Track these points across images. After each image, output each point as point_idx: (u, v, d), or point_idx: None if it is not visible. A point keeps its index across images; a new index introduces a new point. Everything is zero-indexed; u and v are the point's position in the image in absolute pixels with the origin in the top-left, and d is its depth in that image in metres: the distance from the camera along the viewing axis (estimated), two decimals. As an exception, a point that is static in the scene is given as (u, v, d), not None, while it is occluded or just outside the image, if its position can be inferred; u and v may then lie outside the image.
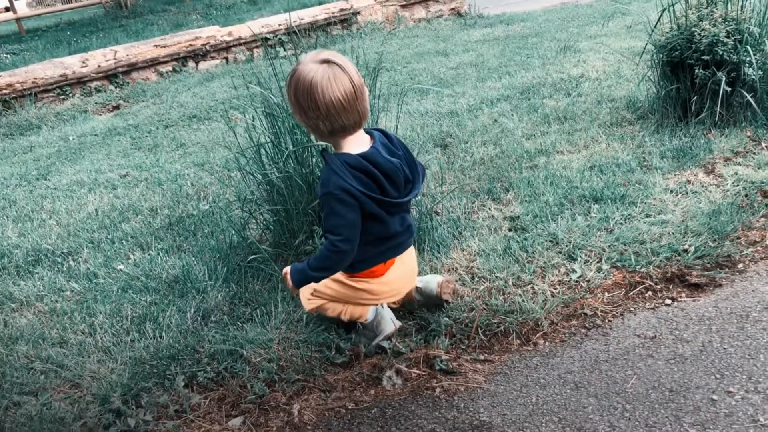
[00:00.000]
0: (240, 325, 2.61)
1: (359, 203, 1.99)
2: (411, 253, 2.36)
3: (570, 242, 2.85)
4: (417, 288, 2.43)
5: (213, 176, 4.43)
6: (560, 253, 2.80)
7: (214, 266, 3.06)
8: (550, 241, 2.90)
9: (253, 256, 2.90)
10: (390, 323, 2.34)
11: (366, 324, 2.34)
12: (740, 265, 2.62)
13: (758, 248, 2.69)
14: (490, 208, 3.34)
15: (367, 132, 2.10)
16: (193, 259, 3.18)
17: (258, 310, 2.65)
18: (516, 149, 4.02)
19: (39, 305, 3.03)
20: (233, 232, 3.28)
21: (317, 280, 2.20)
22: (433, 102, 5.56)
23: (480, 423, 1.97)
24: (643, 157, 3.64)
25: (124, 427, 2.10)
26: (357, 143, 2.03)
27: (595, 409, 1.94)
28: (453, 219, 3.16)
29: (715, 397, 1.90)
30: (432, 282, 2.42)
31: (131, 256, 3.41)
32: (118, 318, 2.79)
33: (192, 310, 2.73)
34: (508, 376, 2.19)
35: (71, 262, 3.45)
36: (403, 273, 2.28)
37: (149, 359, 2.45)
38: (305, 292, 2.32)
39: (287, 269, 2.19)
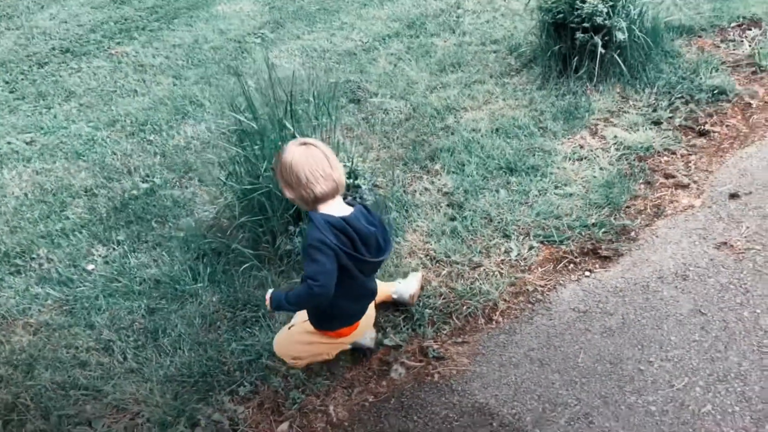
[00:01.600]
0: (250, 330, 2.98)
1: (335, 254, 2.31)
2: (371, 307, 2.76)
3: (501, 219, 3.47)
4: (392, 298, 2.97)
5: (133, 142, 4.48)
6: (496, 230, 3.43)
7: (196, 266, 3.33)
8: (485, 218, 3.51)
9: (259, 268, 3.21)
10: (367, 340, 2.87)
11: None
12: (632, 234, 3.39)
13: (644, 216, 3.47)
14: (423, 180, 3.86)
15: (348, 203, 2.45)
16: (166, 256, 3.43)
17: (261, 313, 3.02)
18: (426, 107, 4.48)
19: (26, 319, 3.18)
20: (191, 222, 3.56)
21: (290, 310, 2.70)
22: (325, 37, 5.76)
23: (480, 405, 2.62)
24: (539, 119, 4.27)
25: None
26: (337, 208, 2.37)
27: (561, 385, 2.66)
28: (397, 196, 3.62)
29: (641, 367, 2.68)
30: (405, 294, 2.96)
31: (94, 253, 3.59)
32: (125, 331, 3.03)
33: (198, 319, 3.04)
34: (485, 357, 2.84)
35: (32, 264, 3.55)
36: (365, 323, 2.72)
37: (181, 377, 2.78)
38: (288, 352, 2.78)
39: (269, 293, 2.61)
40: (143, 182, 4.06)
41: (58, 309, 3.20)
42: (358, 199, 2.63)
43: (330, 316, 2.58)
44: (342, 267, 2.39)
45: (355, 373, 2.78)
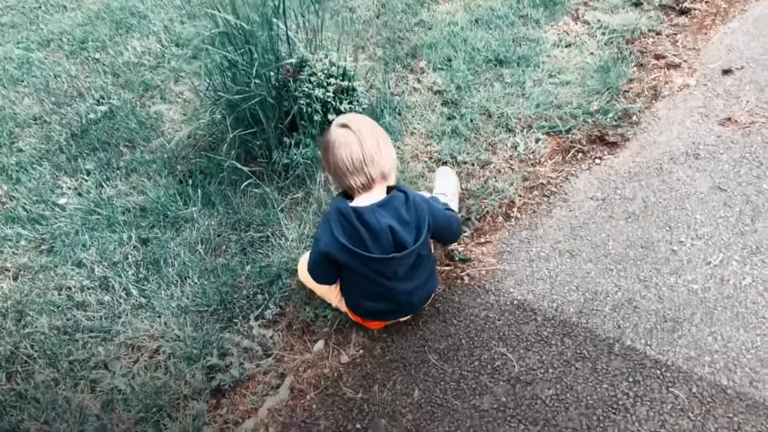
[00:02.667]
0: (261, 251, 2.77)
1: (327, 254, 2.13)
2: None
3: (501, 113, 3.32)
4: None
5: (76, 62, 4.04)
6: (498, 125, 3.28)
7: (184, 190, 3.04)
8: (484, 114, 3.35)
9: (257, 185, 2.95)
10: None
11: None
12: (634, 118, 3.31)
13: (643, 99, 3.39)
14: (408, 79, 3.64)
15: (391, 189, 2.16)
16: (146, 182, 3.13)
17: (269, 232, 2.81)
18: (395, 2, 4.20)
19: (3, 263, 2.87)
20: (165, 143, 3.22)
21: None
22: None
23: (518, 302, 2.55)
24: (517, 7, 4.07)
25: (230, 379, 2.35)
26: (369, 199, 2.11)
27: (597, 274, 2.60)
28: (386, 99, 3.39)
29: (674, 247, 2.65)
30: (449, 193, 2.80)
31: (62, 185, 3.25)
32: (119, 266, 2.78)
33: (200, 245, 2.81)
34: (512, 254, 2.75)
35: (-6, 202, 3.19)
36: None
37: (197, 306, 2.58)
38: (307, 282, 2.51)
39: None
40: (99, 105, 3.65)
41: (34, 249, 2.88)
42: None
43: (347, 302, 2.38)
44: (343, 264, 2.16)
45: (382, 284, 2.60)
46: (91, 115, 3.56)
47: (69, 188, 3.16)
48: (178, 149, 3.22)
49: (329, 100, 2.85)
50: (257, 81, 2.72)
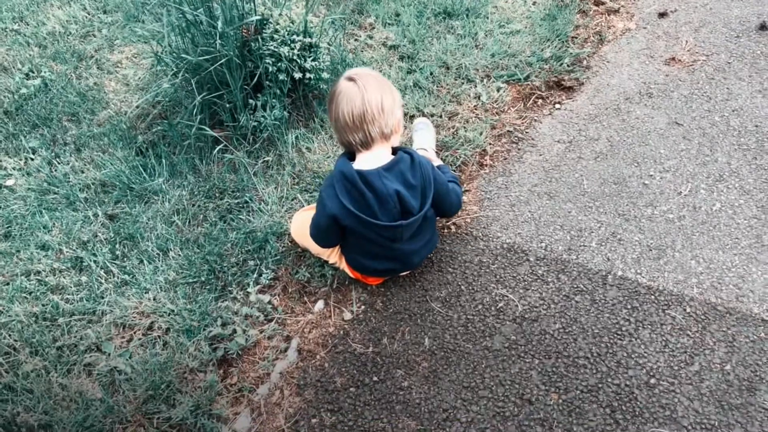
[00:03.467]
0: (241, 217, 2.68)
1: (334, 218, 2.10)
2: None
3: (459, 65, 3.35)
4: None
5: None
6: (458, 77, 3.31)
7: (145, 161, 2.89)
8: (443, 66, 3.36)
9: (224, 150, 2.83)
10: None
11: None
12: (585, 62, 3.43)
13: (590, 44, 3.51)
14: (360, 36, 3.60)
15: (396, 150, 2.11)
16: (102, 156, 2.96)
17: (246, 197, 2.72)
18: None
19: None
20: (115, 115, 3.08)
21: None
22: None
23: (509, 245, 2.61)
24: (456, -40, 4.08)
25: (236, 347, 2.29)
26: (372, 160, 2.06)
27: (578, 212, 2.70)
28: (341, 56, 3.32)
29: (645, 181, 2.78)
30: (429, 151, 2.80)
31: (6, 166, 3.03)
32: (90, 245, 2.63)
33: (176, 216, 2.68)
34: (493, 201, 2.81)
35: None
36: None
37: (185, 278, 2.47)
38: (299, 238, 2.47)
39: None
40: (29, 79, 3.37)
41: (-12, 235, 2.65)
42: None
43: (347, 259, 2.35)
44: (348, 228, 2.13)
45: (371, 240, 2.59)
46: (23, 90, 3.29)
47: (14, 169, 2.93)
48: (132, 119, 3.03)
49: (295, 58, 2.75)
50: (221, 42, 2.58)
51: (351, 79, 1.99)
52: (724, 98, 2.97)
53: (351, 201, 2.05)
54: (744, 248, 2.35)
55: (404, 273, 2.38)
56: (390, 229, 2.09)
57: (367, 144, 2.06)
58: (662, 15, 3.54)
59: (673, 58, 3.24)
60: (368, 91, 1.98)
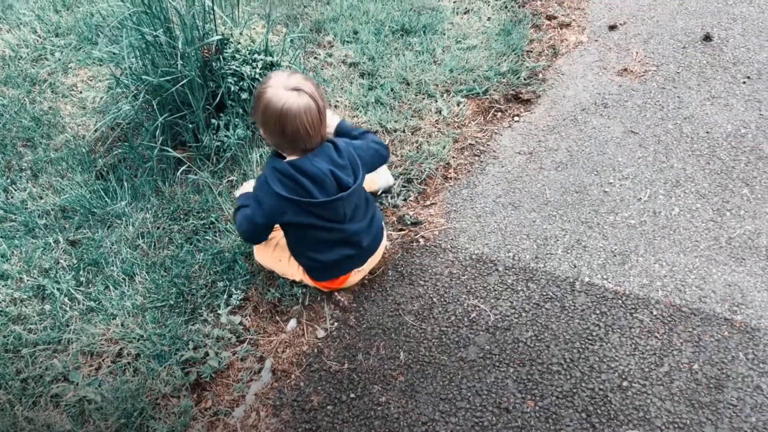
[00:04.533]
0: (208, 238, 2.64)
1: (271, 214, 2.12)
2: (373, 259, 2.46)
3: (419, 80, 3.39)
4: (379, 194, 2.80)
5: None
6: (419, 92, 3.34)
7: (106, 185, 2.83)
8: (403, 82, 3.39)
9: (188, 171, 2.77)
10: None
11: None
12: (541, 75, 3.50)
13: (544, 57, 3.59)
14: (319, 54, 3.61)
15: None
16: (60, 181, 2.89)
17: (212, 218, 2.68)
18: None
19: None
20: (73, 139, 3.02)
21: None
22: None
23: (477, 256, 2.64)
24: (410, -22, 4.13)
25: (209, 370, 2.25)
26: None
27: (543, 221, 2.75)
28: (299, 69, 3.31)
29: (605, 189, 2.85)
30: (388, 183, 2.83)
31: (-41, 193, 2.93)
32: (52, 272, 2.55)
33: (140, 239, 2.63)
34: (459, 212, 2.83)
35: None
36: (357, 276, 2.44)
37: (153, 303, 2.43)
38: (260, 259, 2.48)
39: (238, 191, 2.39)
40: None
41: (-57, 267, 2.55)
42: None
43: (305, 267, 2.34)
44: (292, 223, 2.15)
45: (341, 256, 2.58)
46: (-25, 115, 3.19)
47: (-33, 196, 2.82)
48: (91, 143, 2.97)
49: (257, 77, 2.74)
50: (182, 62, 2.56)
51: (296, 89, 1.97)
52: (676, 107, 3.06)
53: (287, 190, 2.07)
54: (703, 250, 2.42)
55: (366, 268, 2.40)
56: (330, 205, 2.12)
57: (318, 144, 2.11)
58: (612, 28, 3.64)
59: (625, 69, 3.34)
60: (317, 97, 2.01)
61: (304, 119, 1.99)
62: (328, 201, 2.10)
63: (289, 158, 2.09)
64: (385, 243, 2.45)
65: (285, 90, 1.96)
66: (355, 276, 2.36)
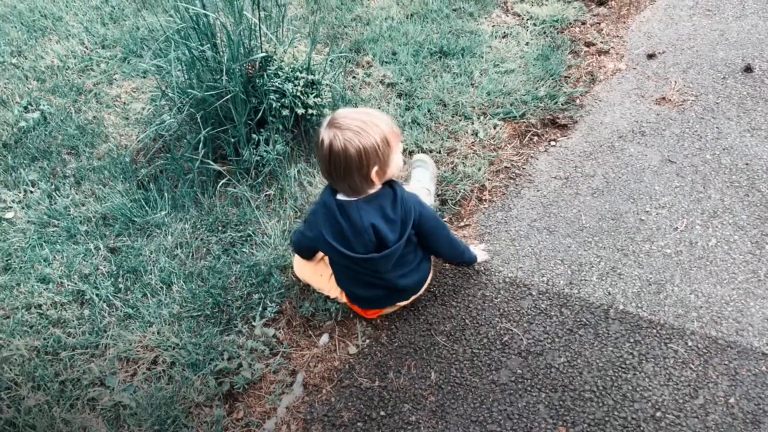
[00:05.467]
0: (244, 251, 2.67)
1: (312, 239, 2.16)
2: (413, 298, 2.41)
3: (456, 102, 3.41)
4: None
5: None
6: (456, 114, 3.37)
7: (147, 195, 2.88)
8: (440, 104, 3.42)
9: (227, 184, 2.84)
10: None
11: None
12: (578, 101, 3.51)
13: (582, 83, 3.60)
14: (358, 74, 3.66)
15: (386, 183, 2.06)
16: (103, 189, 2.95)
17: (249, 231, 2.72)
18: (329, 0, 4.19)
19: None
20: (116, 148, 3.10)
21: None
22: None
23: (511, 279, 2.64)
24: (450, 1, 4.19)
25: (243, 381, 2.27)
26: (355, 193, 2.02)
27: (578, 247, 2.74)
28: (340, 93, 3.35)
29: (642, 217, 2.84)
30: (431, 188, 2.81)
31: (5, 199, 3.01)
32: (92, 278, 2.59)
33: (179, 249, 2.67)
34: (493, 235, 2.84)
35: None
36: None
37: (190, 312, 2.46)
38: (298, 271, 2.51)
39: None
40: (28, 112, 3.37)
41: (-8, 269, 2.62)
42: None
43: (342, 287, 2.35)
44: (331, 258, 2.22)
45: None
46: (22, 124, 3.29)
47: (14, 201, 2.91)
48: (133, 153, 3.04)
49: (298, 94, 2.79)
50: (226, 77, 2.62)
51: (332, 125, 1.88)
52: (715, 137, 3.05)
53: (329, 230, 2.05)
54: (741, 283, 2.40)
55: (403, 304, 2.37)
56: (364, 261, 2.09)
57: (356, 191, 2.01)
58: (651, 56, 3.64)
59: (664, 98, 3.33)
60: (346, 145, 1.88)
61: (326, 158, 1.91)
62: (361, 258, 2.05)
63: (339, 196, 2.02)
64: (428, 282, 2.45)
65: (325, 128, 1.89)
66: (392, 308, 2.37)
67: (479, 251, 2.57)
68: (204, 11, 2.52)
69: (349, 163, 1.88)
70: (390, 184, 2.08)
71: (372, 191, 2.05)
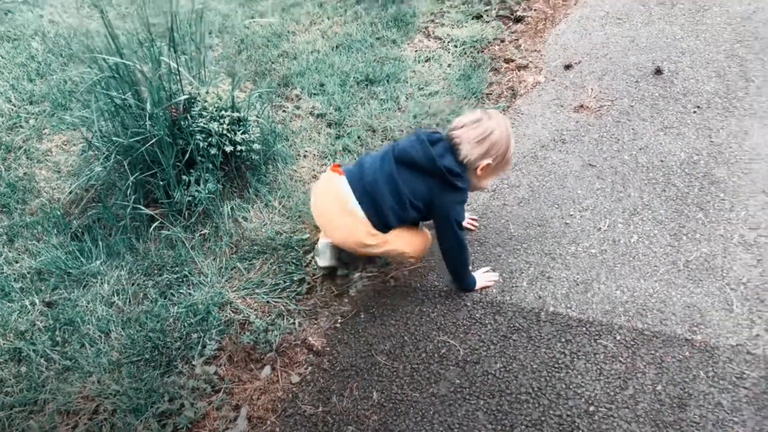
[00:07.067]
0: (182, 291, 2.71)
1: None
2: (341, 198, 2.40)
3: (384, 127, 3.51)
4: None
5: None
6: (385, 139, 3.45)
7: (81, 246, 2.90)
8: (369, 130, 3.51)
9: (161, 227, 2.86)
10: (323, 259, 2.74)
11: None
12: (501, 115, 3.63)
13: (504, 99, 3.73)
14: (287, 107, 3.73)
15: None
16: (36, 244, 2.95)
17: (185, 271, 2.75)
18: (253, 37, 4.28)
19: None
20: (48, 203, 3.11)
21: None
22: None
23: (445, 292, 2.68)
24: (372, 30, 4.31)
25: (185, 421, 2.29)
26: None
27: (508, 255, 2.83)
28: (271, 127, 3.42)
29: (566, 221, 2.95)
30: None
31: (-64, 262, 2.98)
32: (28, 334, 2.59)
33: (116, 297, 2.69)
34: (429, 250, 2.92)
35: None
36: (324, 197, 2.45)
37: (129, 357, 2.47)
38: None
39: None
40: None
41: None
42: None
43: None
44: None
45: (314, 303, 2.67)
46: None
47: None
48: (65, 205, 3.04)
49: (225, 132, 2.84)
50: (150, 123, 2.66)
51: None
52: (631, 138, 3.19)
53: None
54: (663, 274, 2.51)
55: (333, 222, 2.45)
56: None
57: None
58: (568, 67, 3.80)
59: (582, 106, 3.47)
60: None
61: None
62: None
63: None
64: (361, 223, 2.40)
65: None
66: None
67: (480, 275, 2.66)
68: (122, 60, 2.55)
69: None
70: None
71: None
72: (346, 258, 2.66)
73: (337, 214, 2.31)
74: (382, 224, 2.30)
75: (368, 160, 2.35)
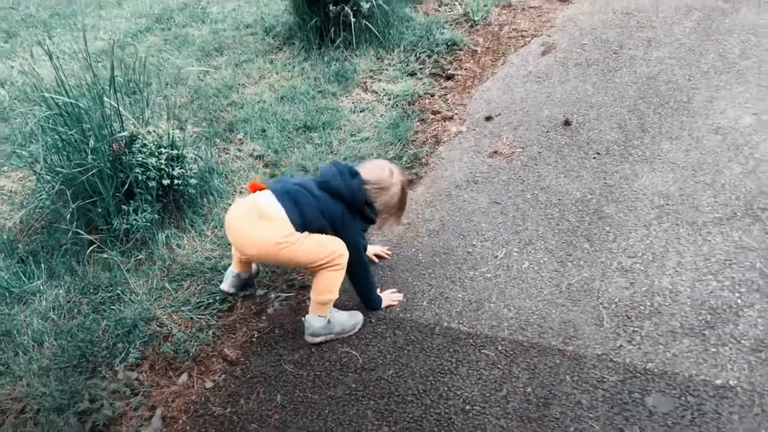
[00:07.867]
0: (113, 308, 2.94)
1: None
2: (257, 206, 2.51)
3: (316, 167, 3.85)
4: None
5: None
6: (315, 178, 3.80)
7: (25, 268, 3.14)
8: (302, 170, 3.86)
9: (100, 251, 3.13)
10: (225, 284, 3.02)
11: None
12: (423, 160, 4.00)
13: (427, 145, 4.11)
14: (230, 150, 4.08)
15: None
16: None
17: (118, 291, 3.01)
18: (206, 89, 4.65)
19: None
20: (2, 234, 3.35)
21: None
22: (70, 39, 5.57)
23: (352, 308, 3.01)
24: (315, 84, 4.71)
25: (103, 418, 2.52)
26: None
27: (413, 279, 3.13)
28: (211, 166, 3.77)
29: (469, 250, 3.28)
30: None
31: None
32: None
33: (52, 312, 2.90)
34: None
35: None
36: (238, 215, 2.56)
37: (58, 364, 2.67)
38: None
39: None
40: None
41: None
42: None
43: None
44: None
45: (233, 319, 2.94)
46: None
47: None
48: (14, 232, 3.32)
49: (162, 167, 3.17)
50: (92, 156, 2.98)
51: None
52: (535, 180, 3.56)
53: None
54: (546, 295, 2.83)
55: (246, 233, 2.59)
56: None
57: None
58: (488, 118, 4.20)
59: (496, 152, 3.86)
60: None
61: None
62: None
63: None
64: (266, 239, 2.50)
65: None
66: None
67: (386, 295, 2.96)
68: (69, 99, 2.89)
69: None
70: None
71: None
72: (246, 286, 2.97)
73: (253, 223, 2.51)
74: (300, 222, 2.55)
75: (290, 179, 2.69)
